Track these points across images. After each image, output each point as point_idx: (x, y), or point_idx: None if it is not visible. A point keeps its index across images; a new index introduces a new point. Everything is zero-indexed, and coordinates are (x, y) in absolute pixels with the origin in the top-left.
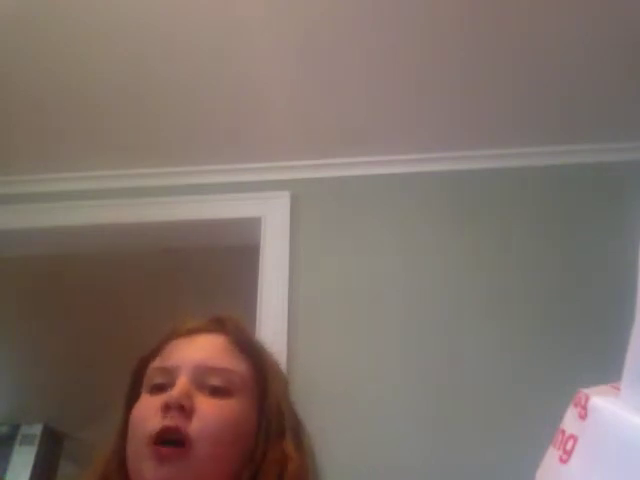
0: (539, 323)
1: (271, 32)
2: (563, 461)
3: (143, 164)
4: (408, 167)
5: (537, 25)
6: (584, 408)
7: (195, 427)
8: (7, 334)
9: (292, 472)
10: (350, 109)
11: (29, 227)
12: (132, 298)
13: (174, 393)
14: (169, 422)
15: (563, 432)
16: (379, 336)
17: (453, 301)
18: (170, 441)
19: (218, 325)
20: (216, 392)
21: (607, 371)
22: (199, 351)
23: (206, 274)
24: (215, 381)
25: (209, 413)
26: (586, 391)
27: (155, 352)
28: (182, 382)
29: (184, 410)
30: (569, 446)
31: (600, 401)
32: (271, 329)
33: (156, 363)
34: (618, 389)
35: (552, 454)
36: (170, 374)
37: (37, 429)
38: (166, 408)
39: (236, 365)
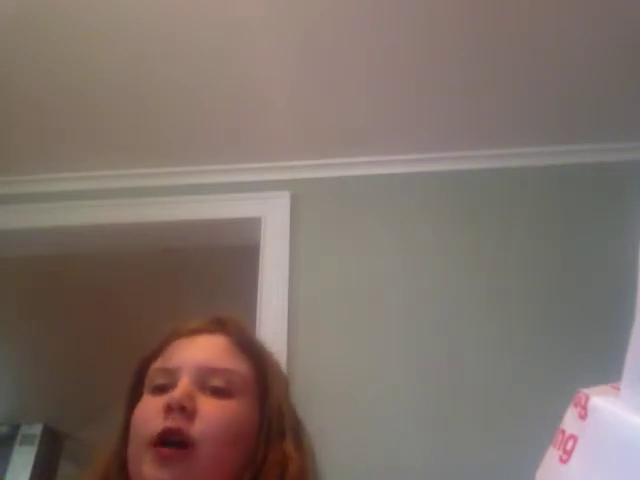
0: (539, 323)
1: (271, 32)
2: (563, 461)
3: (143, 164)
4: (408, 167)
5: (537, 25)
6: (584, 408)
7: (197, 428)
8: (7, 334)
9: (293, 473)
10: (350, 109)
11: (29, 227)
12: (132, 298)
13: (176, 394)
14: (171, 423)
15: (563, 432)
16: (379, 336)
17: (453, 301)
18: (172, 442)
19: (219, 326)
20: (218, 393)
21: (607, 371)
22: (200, 352)
23: (206, 274)
24: (217, 382)
25: (211, 414)
26: (586, 391)
27: (156, 353)
28: (184, 383)
29: (186, 411)
30: (569, 446)
31: (600, 401)
32: (271, 329)
33: (158, 364)
34: (618, 389)
35: (552, 454)
36: (172, 375)
37: (37, 429)
38: (168, 409)
39: (237, 366)
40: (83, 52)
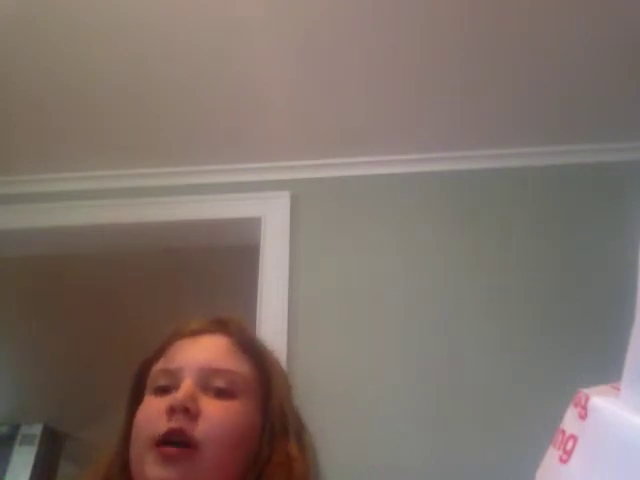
0: (539, 323)
1: (271, 32)
2: (563, 461)
3: (143, 164)
4: (408, 167)
5: (537, 25)
6: (584, 408)
7: (201, 430)
8: (7, 334)
9: (298, 474)
10: (350, 109)
11: (29, 227)
12: (132, 298)
13: (179, 396)
14: (174, 425)
15: (563, 432)
16: (379, 336)
17: (453, 301)
18: (175, 442)
19: (221, 326)
20: (220, 394)
21: (607, 371)
22: (203, 352)
23: (206, 274)
24: (219, 383)
25: (215, 415)
26: (586, 391)
27: (158, 354)
28: (187, 385)
29: (189, 413)
30: (569, 446)
31: (600, 401)
32: (271, 329)
33: (159, 365)
34: (618, 389)
35: (552, 454)
36: (174, 376)
37: (37, 429)
38: (171, 411)
39: (239, 366)
40: (83, 52)
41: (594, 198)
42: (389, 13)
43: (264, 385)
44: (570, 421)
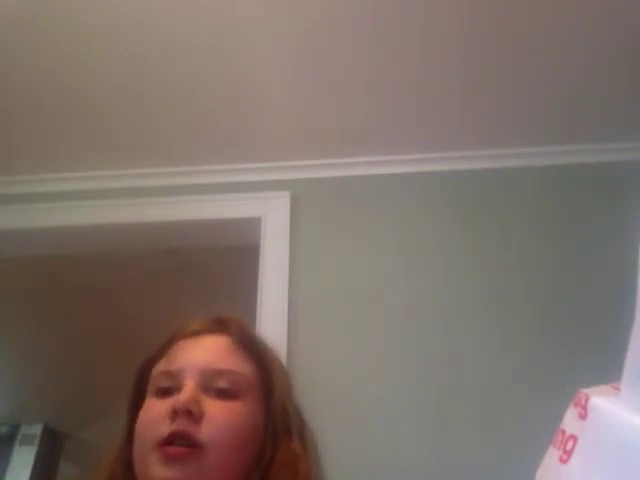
0: (539, 323)
1: (271, 32)
2: (563, 461)
3: (143, 164)
4: (408, 167)
5: (537, 25)
6: (584, 408)
7: (205, 431)
8: (7, 334)
9: (304, 473)
10: (350, 109)
11: (29, 227)
12: (132, 298)
13: (181, 398)
14: (178, 427)
15: (563, 432)
16: (379, 336)
17: (453, 301)
18: (179, 443)
19: (221, 326)
20: (223, 394)
21: (607, 371)
22: (204, 353)
23: (206, 274)
24: (221, 383)
25: (218, 416)
26: (586, 391)
27: (159, 354)
28: (189, 387)
29: (193, 415)
30: (569, 446)
31: (600, 401)
32: (271, 329)
33: (161, 366)
34: (618, 389)
35: (552, 454)
36: (176, 377)
37: (37, 429)
38: (174, 414)
39: (240, 366)
40: (83, 52)
41: (594, 198)
42: (389, 13)
43: (265, 383)
44: (570, 421)
